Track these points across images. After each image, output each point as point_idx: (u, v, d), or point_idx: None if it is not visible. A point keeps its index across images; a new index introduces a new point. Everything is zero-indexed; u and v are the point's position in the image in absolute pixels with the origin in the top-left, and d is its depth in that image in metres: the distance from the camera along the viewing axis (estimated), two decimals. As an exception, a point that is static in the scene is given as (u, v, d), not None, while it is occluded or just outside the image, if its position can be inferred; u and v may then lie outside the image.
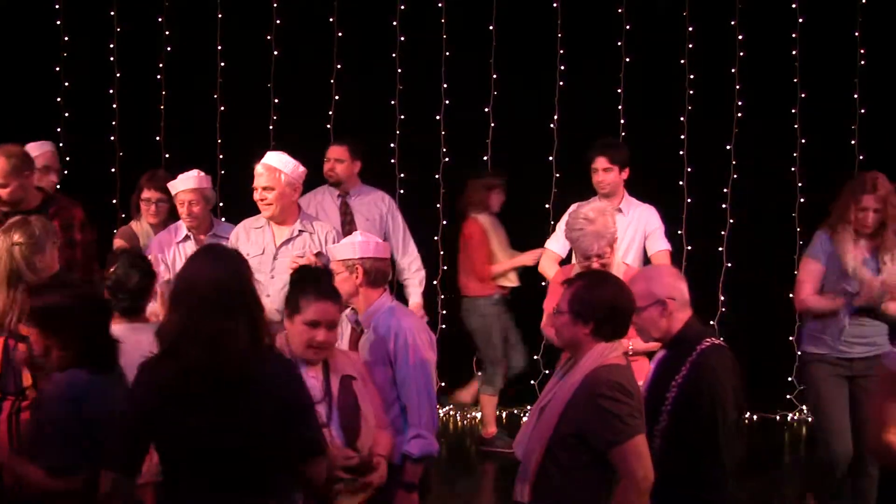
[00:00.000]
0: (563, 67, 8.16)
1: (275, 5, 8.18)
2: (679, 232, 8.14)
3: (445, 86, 8.19)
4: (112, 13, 8.17)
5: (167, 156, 8.10)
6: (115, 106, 8.21)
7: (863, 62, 8.09)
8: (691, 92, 8.15)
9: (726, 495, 3.74)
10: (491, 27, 8.14)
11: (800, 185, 8.15)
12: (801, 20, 8.06)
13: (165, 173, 6.29)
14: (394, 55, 8.17)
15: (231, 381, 3.04)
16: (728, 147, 8.15)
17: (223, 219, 6.55)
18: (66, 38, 8.15)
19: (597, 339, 3.61)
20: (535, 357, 7.65)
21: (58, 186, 6.27)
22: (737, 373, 3.86)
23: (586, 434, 3.50)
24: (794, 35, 8.07)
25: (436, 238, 8.10)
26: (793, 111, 8.13)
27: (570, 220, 4.97)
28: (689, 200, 8.16)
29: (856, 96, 8.10)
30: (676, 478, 3.66)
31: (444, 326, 8.12)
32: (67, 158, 7.58)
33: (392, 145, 8.10)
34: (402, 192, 7.99)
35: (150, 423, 3.10)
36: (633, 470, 3.46)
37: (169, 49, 8.19)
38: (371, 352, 4.08)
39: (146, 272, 4.25)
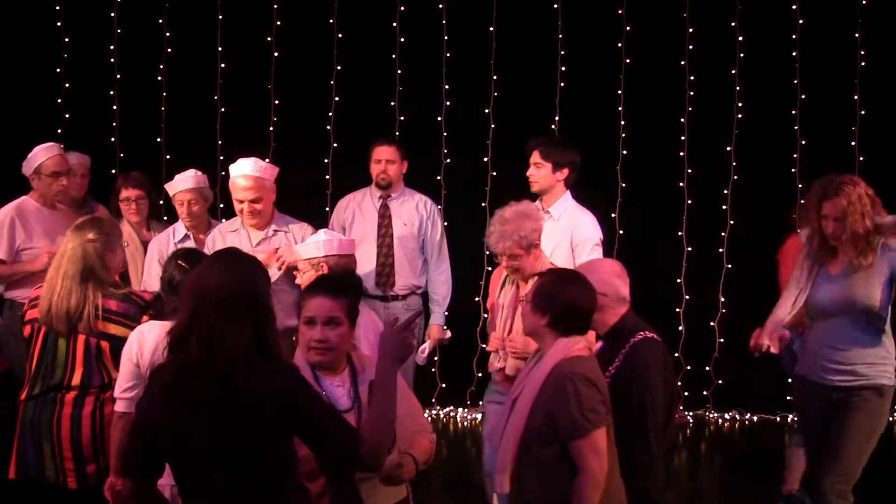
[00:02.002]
0: (563, 69, 8.16)
1: (275, 7, 8.19)
2: (679, 233, 8.16)
3: (446, 87, 8.19)
4: (112, 14, 8.17)
5: (168, 157, 8.11)
6: (115, 107, 8.21)
7: (863, 64, 8.10)
8: (691, 93, 8.15)
9: (654, 481, 3.88)
10: (491, 28, 8.14)
11: (800, 186, 8.14)
12: (801, 22, 8.06)
13: (140, 173, 6.32)
14: (394, 56, 8.17)
15: (222, 384, 3.02)
16: (728, 148, 8.16)
17: (223, 220, 6.56)
18: (67, 40, 8.15)
19: (553, 331, 3.80)
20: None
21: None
22: (669, 366, 3.98)
23: (555, 424, 3.68)
24: (794, 37, 8.07)
25: (436, 240, 8.10)
26: (793, 113, 8.13)
27: (493, 217, 5.04)
28: (689, 202, 8.16)
29: (856, 98, 8.10)
30: None
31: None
32: (67, 159, 7.57)
33: (392, 146, 8.09)
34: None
35: (154, 424, 3.10)
36: (590, 463, 3.65)
37: (169, 50, 8.19)
38: None
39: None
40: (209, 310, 3.04)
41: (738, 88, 8.15)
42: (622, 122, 8.17)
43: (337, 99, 8.19)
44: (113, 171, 8.09)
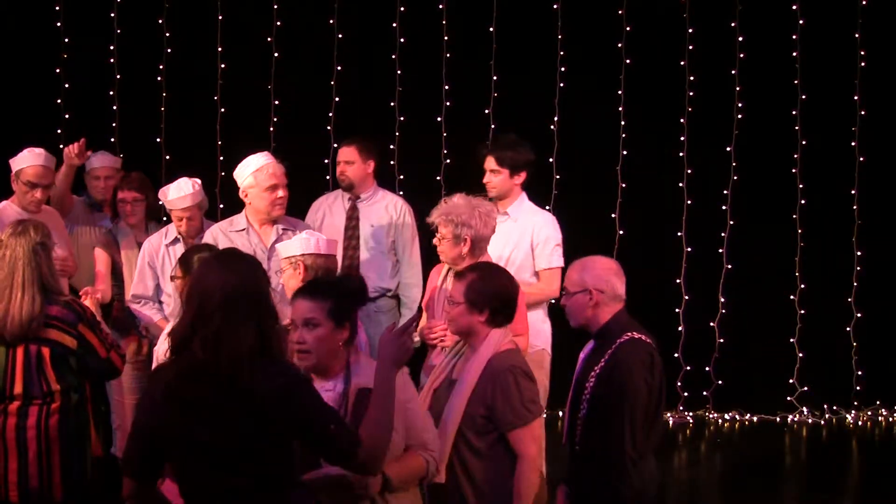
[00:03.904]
0: (563, 69, 8.16)
1: (275, 7, 8.18)
2: (679, 234, 8.16)
3: (446, 87, 8.19)
4: (112, 14, 8.17)
5: (167, 157, 8.10)
6: (115, 107, 8.21)
7: (863, 64, 8.10)
8: (691, 94, 8.15)
9: (629, 483, 3.85)
10: (491, 29, 8.14)
11: (800, 186, 8.15)
12: (801, 22, 8.06)
13: (139, 174, 6.28)
14: (394, 57, 8.17)
15: (226, 385, 3.02)
16: (728, 149, 8.16)
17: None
18: (67, 40, 8.14)
19: (490, 326, 4.00)
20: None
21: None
22: (654, 368, 3.93)
23: (492, 415, 3.89)
24: (794, 37, 8.07)
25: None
26: (793, 113, 8.13)
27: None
28: (689, 202, 8.16)
29: (856, 98, 8.10)
30: (590, 462, 3.93)
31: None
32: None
33: (392, 147, 8.09)
34: (401, 193, 7.96)
35: (155, 425, 3.09)
36: (529, 450, 3.89)
37: (169, 51, 8.18)
38: None
39: None
40: (214, 311, 3.03)
41: (738, 88, 8.15)
42: (622, 122, 8.17)
43: (337, 99, 8.18)
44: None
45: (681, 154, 8.16)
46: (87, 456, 4.48)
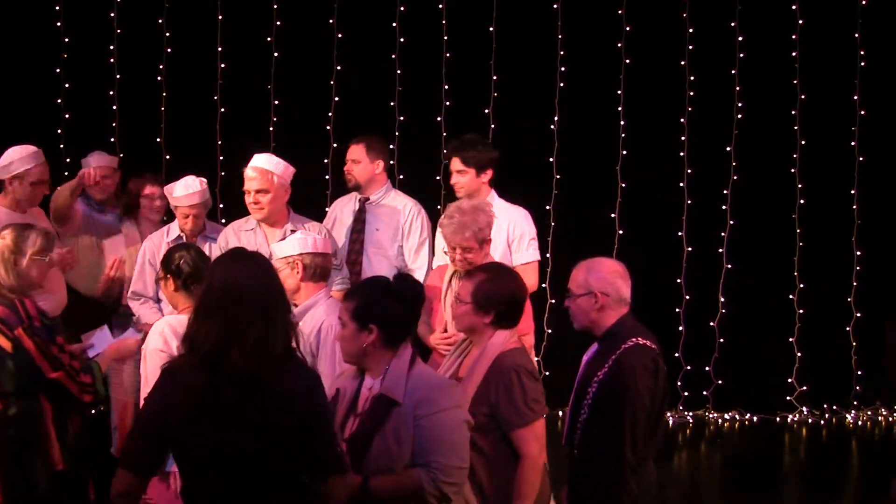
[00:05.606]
0: (563, 69, 8.16)
1: (275, 7, 8.19)
2: (679, 233, 8.16)
3: (446, 87, 8.19)
4: (112, 14, 8.17)
5: (167, 157, 8.11)
6: (115, 107, 8.21)
7: (863, 64, 8.10)
8: (691, 93, 8.15)
9: (627, 487, 3.85)
10: (491, 28, 8.14)
11: (800, 186, 8.15)
12: (801, 22, 8.07)
13: (152, 175, 6.29)
14: (394, 56, 8.17)
15: (264, 389, 3.01)
16: (728, 149, 8.16)
17: (223, 220, 6.55)
18: (67, 40, 8.15)
19: (495, 327, 4.02)
20: (536, 359, 7.63)
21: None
22: (657, 374, 3.91)
23: (495, 414, 3.91)
24: (794, 37, 8.08)
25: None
26: (793, 113, 8.13)
27: (447, 210, 5.07)
28: (689, 202, 8.16)
29: (856, 98, 8.11)
30: (589, 466, 3.92)
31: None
32: (67, 160, 7.59)
33: (392, 146, 8.08)
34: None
35: (173, 427, 3.06)
36: (531, 450, 3.92)
37: (169, 51, 8.19)
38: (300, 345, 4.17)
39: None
40: (250, 318, 3.01)
41: (738, 88, 8.15)
42: (622, 122, 8.17)
43: (337, 99, 8.19)
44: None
45: (681, 154, 8.17)
46: (37, 470, 4.21)
